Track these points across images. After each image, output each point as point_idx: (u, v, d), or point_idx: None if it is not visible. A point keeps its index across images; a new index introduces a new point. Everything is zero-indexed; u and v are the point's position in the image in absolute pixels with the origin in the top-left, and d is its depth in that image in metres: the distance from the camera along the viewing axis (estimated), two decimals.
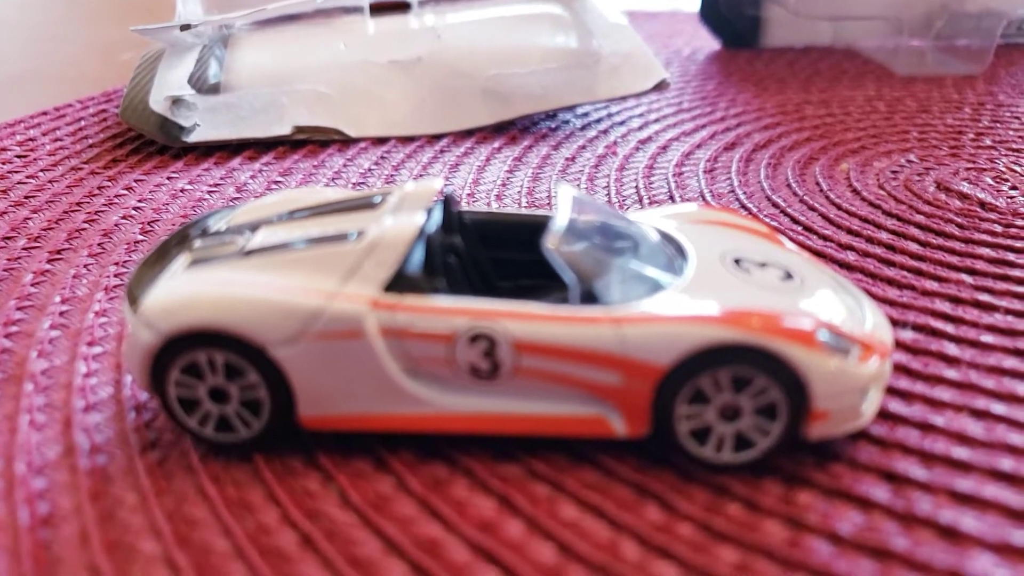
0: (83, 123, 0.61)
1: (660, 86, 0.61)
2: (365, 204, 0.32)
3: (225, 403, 0.28)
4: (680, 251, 0.31)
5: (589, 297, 0.28)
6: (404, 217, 0.29)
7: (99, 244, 0.44)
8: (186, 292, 0.28)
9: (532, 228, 0.33)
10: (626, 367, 0.27)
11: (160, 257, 0.31)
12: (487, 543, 0.25)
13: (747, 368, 0.26)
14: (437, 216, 0.31)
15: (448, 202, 0.32)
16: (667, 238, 0.32)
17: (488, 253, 0.34)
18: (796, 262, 0.32)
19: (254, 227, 0.32)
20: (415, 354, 0.28)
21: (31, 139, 0.59)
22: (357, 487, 0.28)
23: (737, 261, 0.31)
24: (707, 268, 0.30)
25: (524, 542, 0.26)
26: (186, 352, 0.28)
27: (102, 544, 0.26)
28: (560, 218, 0.29)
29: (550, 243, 0.28)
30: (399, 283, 0.28)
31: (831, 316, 0.29)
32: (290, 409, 0.28)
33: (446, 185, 0.32)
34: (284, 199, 0.34)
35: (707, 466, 0.28)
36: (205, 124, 0.56)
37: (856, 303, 0.31)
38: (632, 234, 0.32)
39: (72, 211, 0.48)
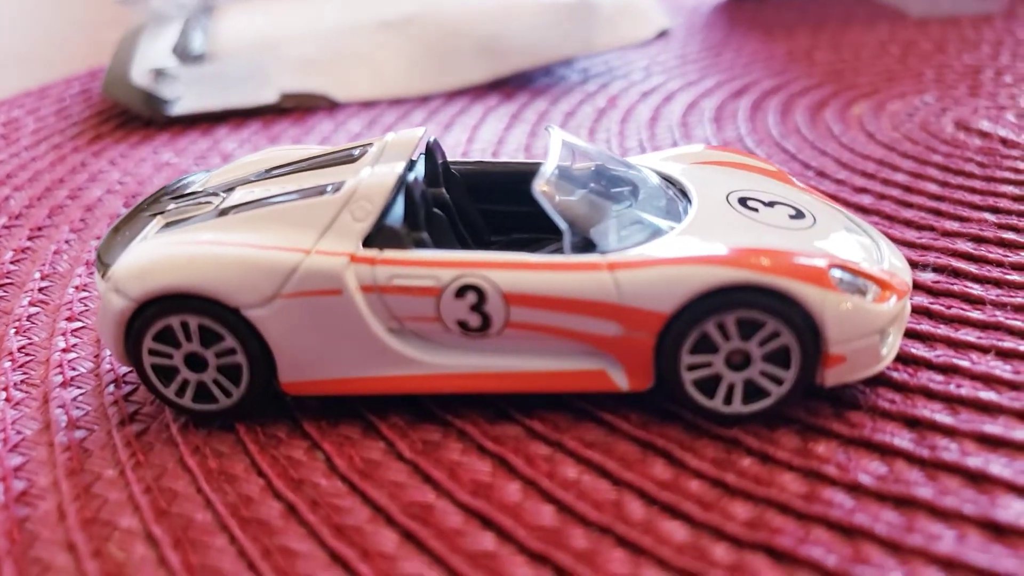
0: (67, 101, 0.60)
1: (661, 35, 0.59)
2: (345, 158, 0.30)
3: (202, 370, 0.27)
4: (683, 194, 0.30)
5: (585, 245, 0.26)
6: (383, 167, 0.27)
7: (81, 219, 0.43)
8: (156, 255, 0.27)
9: (524, 178, 0.30)
10: (625, 316, 0.25)
11: (130, 222, 0.30)
12: (482, 507, 0.24)
13: (756, 311, 0.25)
14: (421, 168, 0.30)
15: (432, 152, 0.30)
16: (669, 181, 0.30)
17: (478, 206, 0.32)
18: (807, 200, 0.30)
19: (229, 188, 0.30)
20: (398, 311, 0.26)
21: (14, 119, 0.57)
22: (344, 454, 0.26)
23: (743, 201, 0.29)
24: (711, 209, 0.28)
25: (521, 505, 0.24)
26: (158, 317, 0.26)
27: (79, 520, 0.24)
28: (551, 161, 0.28)
29: (540, 187, 0.26)
30: (379, 236, 0.26)
31: (845, 254, 0.27)
32: (270, 374, 0.27)
33: (429, 136, 0.30)
34: (263, 158, 0.33)
35: (716, 419, 0.26)
36: (189, 95, 0.54)
37: (872, 242, 0.29)
38: (630, 178, 0.30)
39: (54, 188, 0.46)
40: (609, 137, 0.50)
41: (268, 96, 0.55)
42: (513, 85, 0.58)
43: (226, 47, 0.58)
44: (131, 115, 0.55)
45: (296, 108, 0.55)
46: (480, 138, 0.50)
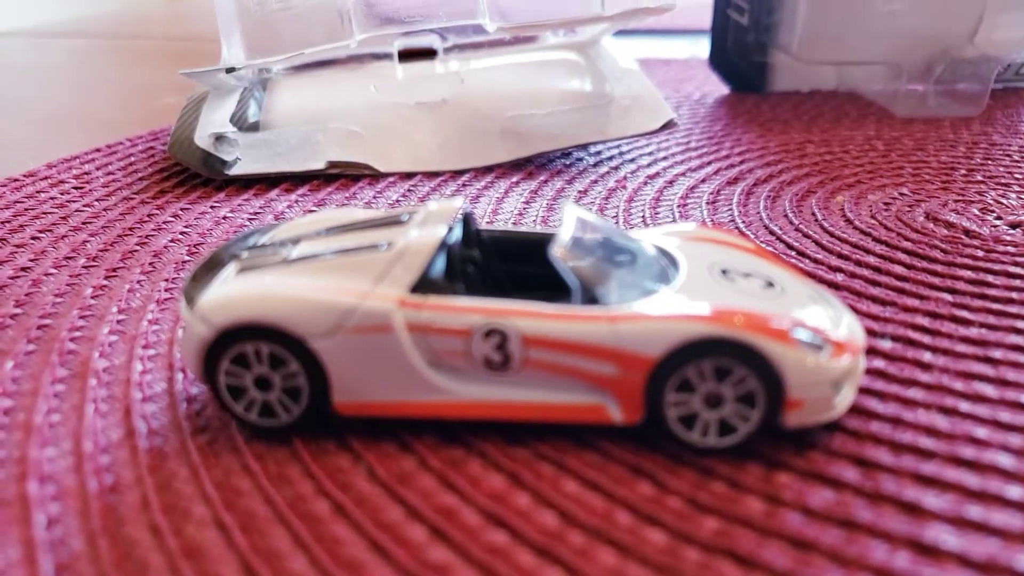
0: (133, 159, 0.67)
1: (668, 126, 0.65)
2: (394, 221, 0.36)
3: (268, 391, 0.32)
4: (673, 262, 0.35)
5: (591, 301, 0.32)
6: (428, 229, 0.33)
7: (150, 263, 0.49)
8: (236, 292, 0.32)
9: (543, 244, 0.36)
10: (621, 359, 0.30)
11: (212, 266, 0.36)
12: (497, 511, 0.29)
13: (728, 359, 0.30)
14: (458, 232, 0.35)
15: (468, 220, 0.36)
16: (662, 251, 0.36)
17: (504, 266, 0.38)
18: (778, 274, 0.36)
19: (295, 241, 0.36)
20: (436, 347, 0.31)
21: (86, 172, 0.64)
22: (383, 465, 0.31)
23: (724, 271, 0.34)
24: (696, 277, 0.34)
25: (530, 511, 0.29)
26: (235, 344, 0.32)
27: (160, 507, 0.29)
28: (565, 231, 0.33)
29: (556, 251, 0.32)
30: (423, 285, 0.32)
31: (806, 318, 0.32)
32: (326, 396, 0.32)
33: (466, 206, 0.36)
34: (321, 218, 0.39)
35: (694, 449, 0.31)
36: (245, 159, 0.61)
37: (833, 310, 0.34)
38: (630, 248, 0.35)
39: (125, 235, 0.53)
40: (617, 214, 0.56)
41: (316, 163, 0.61)
42: (534, 165, 0.65)
43: (278, 118, 0.65)
44: (192, 174, 0.62)
45: (341, 175, 0.62)
46: (504, 210, 0.56)
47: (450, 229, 0.34)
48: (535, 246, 0.37)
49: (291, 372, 0.32)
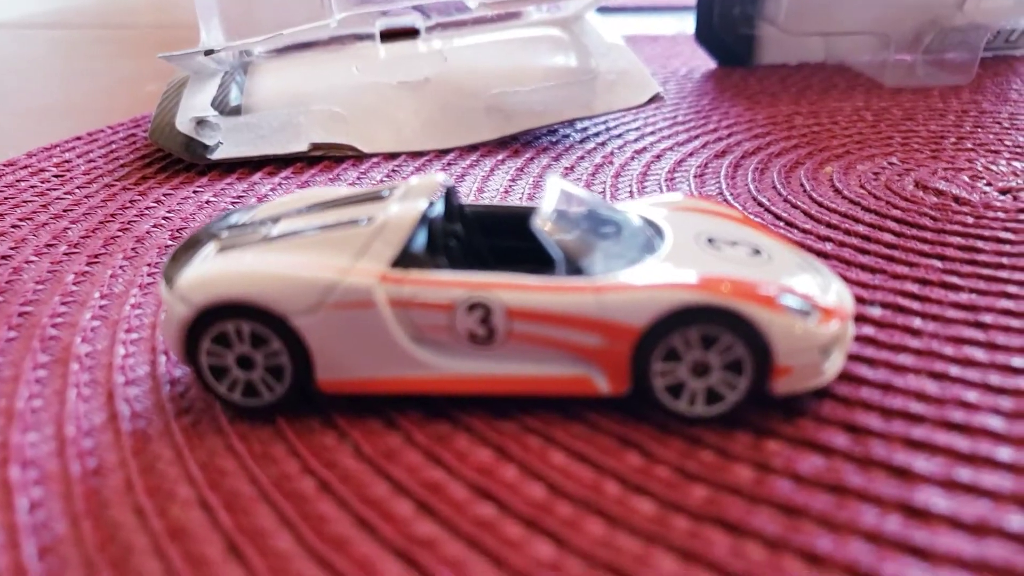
0: (114, 146, 0.66)
1: (655, 99, 0.65)
2: (374, 197, 0.35)
3: (251, 370, 0.32)
4: (659, 232, 0.35)
5: (575, 273, 0.31)
6: (409, 203, 0.33)
7: (132, 249, 0.48)
8: (215, 270, 0.32)
9: (527, 218, 0.36)
10: (606, 329, 0.30)
11: (192, 246, 0.35)
12: (485, 484, 0.29)
13: (714, 327, 0.30)
14: (440, 206, 0.35)
15: (450, 194, 0.36)
16: (647, 222, 0.36)
17: (487, 241, 0.37)
18: (766, 242, 0.35)
19: (275, 220, 0.36)
20: (419, 322, 0.31)
21: (67, 160, 0.63)
22: (369, 441, 0.31)
23: (710, 240, 0.34)
24: (682, 246, 0.33)
25: (518, 483, 0.29)
26: (216, 323, 0.31)
27: (144, 489, 0.29)
28: (548, 202, 0.33)
29: (539, 223, 0.32)
30: (405, 260, 0.31)
31: (794, 284, 0.32)
32: (309, 374, 0.32)
33: (448, 181, 0.36)
34: (301, 197, 0.38)
35: (682, 419, 0.31)
36: (227, 143, 0.60)
37: (821, 277, 0.34)
38: (615, 219, 0.35)
39: (107, 221, 0.52)
40: (604, 189, 0.56)
41: (299, 146, 0.61)
42: (520, 143, 0.64)
43: (260, 101, 0.64)
44: (174, 159, 0.61)
45: (324, 157, 0.61)
46: (489, 188, 0.56)
47: (432, 203, 0.34)
48: (518, 220, 0.36)
49: (273, 350, 0.31)
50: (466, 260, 0.35)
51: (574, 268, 0.32)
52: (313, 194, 0.38)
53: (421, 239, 0.32)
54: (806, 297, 0.31)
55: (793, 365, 0.30)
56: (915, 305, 0.39)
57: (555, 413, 0.32)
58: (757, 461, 0.29)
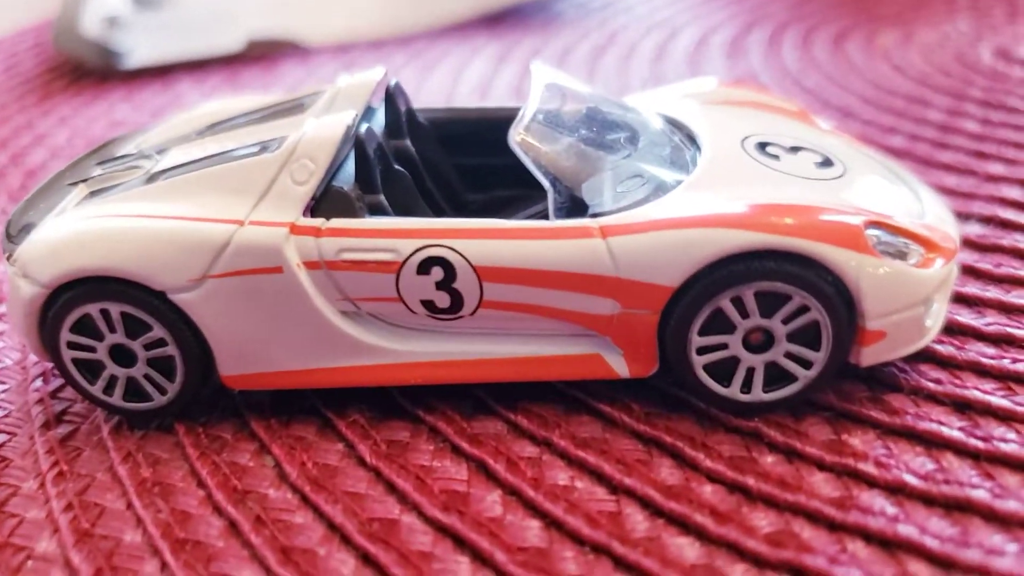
0: (18, 56, 0.55)
1: None
2: (293, 108, 0.25)
3: (132, 365, 0.23)
4: (691, 139, 0.25)
5: (575, 205, 0.22)
6: (330, 118, 0.23)
7: (21, 186, 0.39)
8: (67, 232, 0.23)
9: (504, 125, 0.26)
10: (622, 290, 0.21)
11: (48, 191, 0.26)
12: (455, 524, 0.20)
13: (779, 282, 0.20)
14: (380, 117, 0.25)
15: (393, 98, 0.26)
16: (675, 125, 0.26)
17: (453, 160, 0.28)
18: (835, 145, 0.26)
19: (165, 148, 0.26)
20: (351, 291, 0.22)
21: None
22: (295, 460, 0.22)
23: (762, 147, 0.24)
24: (725, 158, 0.24)
25: (501, 520, 0.20)
26: (74, 305, 0.22)
27: None
28: (532, 105, 0.23)
29: (518, 136, 0.22)
30: (325, 202, 0.22)
31: (883, 209, 0.22)
32: (209, 367, 0.23)
33: (389, 79, 0.26)
34: (206, 112, 0.28)
35: (733, 408, 0.22)
36: (146, 44, 0.50)
37: (912, 192, 0.25)
38: (629, 122, 0.25)
39: None
40: (608, 79, 0.45)
41: (233, 43, 0.50)
42: (503, 21, 0.53)
43: None
44: (84, 70, 0.51)
45: (264, 54, 0.51)
46: (466, 80, 0.46)
47: (366, 114, 0.24)
48: (493, 128, 0.26)
49: (156, 338, 0.23)
50: (421, 193, 0.25)
51: (572, 200, 0.22)
52: (220, 108, 0.28)
53: (349, 169, 0.23)
54: (901, 230, 0.22)
55: (888, 326, 0.21)
56: (1022, 218, 0.30)
57: (554, 407, 0.23)
58: (840, 467, 0.21)
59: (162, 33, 0.50)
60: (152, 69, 0.50)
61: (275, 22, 0.51)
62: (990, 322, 0.25)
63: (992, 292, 0.26)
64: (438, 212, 0.26)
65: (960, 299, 0.26)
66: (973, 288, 0.26)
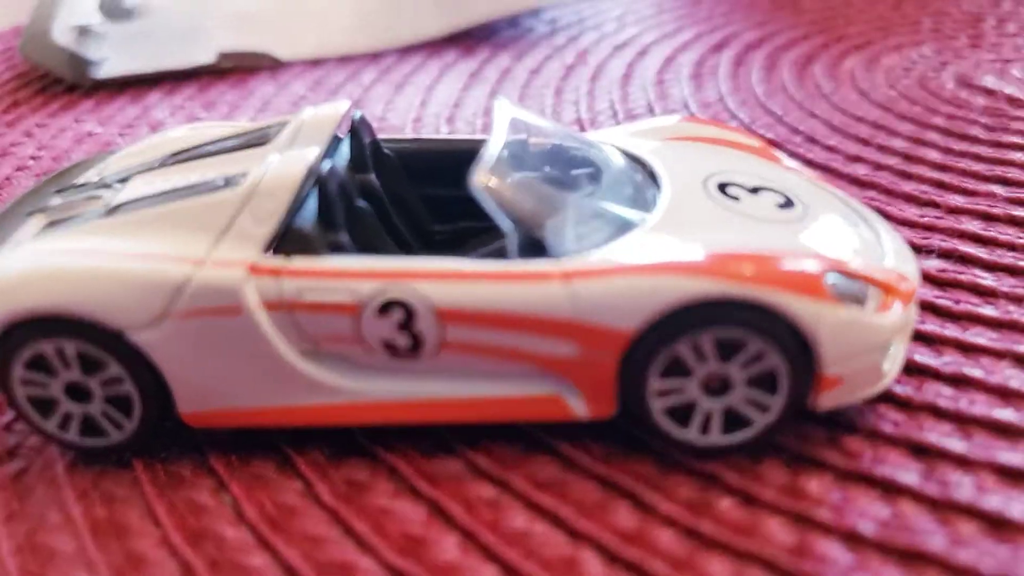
0: None
1: None
2: (257, 140, 0.25)
3: (88, 401, 0.23)
4: (653, 178, 0.25)
5: (535, 245, 0.22)
6: (293, 154, 0.23)
7: None
8: (22, 268, 0.22)
9: (469, 157, 0.26)
10: (582, 334, 0.21)
11: (5, 221, 0.25)
12: (411, 569, 0.20)
13: (737, 329, 0.21)
14: (344, 150, 0.25)
15: (357, 130, 0.26)
16: (637, 162, 0.26)
17: (419, 191, 0.27)
18: (797, 184, 0.26)
19: (127, 176, 0.26)
20: (312, 331, 0.22)
21: None
22: (254, 499, 0.22)
23: (723, 187, 0.25)
24: (686, 199, 0.24)
25: (459, 566, 0.20)
26: (28, 343, 0.22)
27: None
28: (493, 145, 0.23)
29: (479, 178, 0.22)
30: (286, 241, 0.22)
31: (842, 253, 0.23)
32: (168, 403, 0.23)
33: (354, 112, 0.26)
34: (171, 138, 0.28)
35: (691, 451, 0.22)
36: (117, 56, 0.49)
37: (872, 232, 0.25)
38: (591, 160, 0.25)
39: None
40: (578, 98, 0.45)
41: (204, 56, 0.49)
42: (474, 39, 0.53)
43: (158, 1, 0.53)
44: (53, 79, 0.50)
45: (235, 69, 0.50)
46: (435, 100, 0.45)
47: (329, 148, 0.24)
48: (459, 160, 0.26)
49: (113, 376, 0.22)
50: (386, 228, 0.25)
51: (533, 239, 0.22)
52: (186, 135, 0.28)
53: (311, 207, 0.22)
54: (859, 275, 0.22)
55: (845, 372, 0.22)
56: (981, 253, 0.30)
57: (514, 446, 0.23)
58: (796, 513, 0.21)
59: (134, 45, 0.49)
60: (121, 81, 0.49)
61: (247, 37, 0.51)
62: (948, 362, 0.25)
63: (950, 330, 0.27)
64: (403, 246, 0.26)
65: (919, 336, 0.26)
66: (932, 325, 0.27)
